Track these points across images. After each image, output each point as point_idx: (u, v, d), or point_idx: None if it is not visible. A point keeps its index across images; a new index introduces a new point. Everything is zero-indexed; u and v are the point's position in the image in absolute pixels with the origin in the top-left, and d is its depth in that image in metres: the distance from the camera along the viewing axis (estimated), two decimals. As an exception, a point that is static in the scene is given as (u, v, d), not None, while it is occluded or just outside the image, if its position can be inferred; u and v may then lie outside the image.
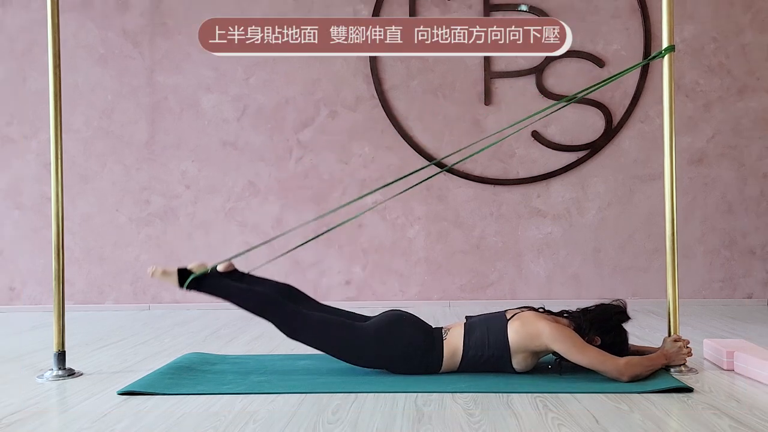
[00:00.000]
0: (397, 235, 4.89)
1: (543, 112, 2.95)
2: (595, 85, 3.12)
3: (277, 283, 2.83)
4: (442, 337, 2.68)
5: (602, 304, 2.67)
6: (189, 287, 2.75)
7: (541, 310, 2.70)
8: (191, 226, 4.94)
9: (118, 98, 4.97)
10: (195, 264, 2.78)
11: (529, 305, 2.75)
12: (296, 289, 2.83)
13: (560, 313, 2.69)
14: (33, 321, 4.38)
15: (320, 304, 2.81)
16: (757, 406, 2.24)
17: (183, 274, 2.76)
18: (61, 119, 2.87)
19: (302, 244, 3.21)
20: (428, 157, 4.85)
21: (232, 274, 2.86)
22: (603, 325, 2.60)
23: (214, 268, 2.81)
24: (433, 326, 2.77)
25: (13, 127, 4.98)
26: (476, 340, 2.63)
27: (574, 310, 2.70)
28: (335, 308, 2.81)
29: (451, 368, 2.68)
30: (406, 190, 3.30)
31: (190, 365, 2.86)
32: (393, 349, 2.65)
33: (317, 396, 2.42)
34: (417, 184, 3.31)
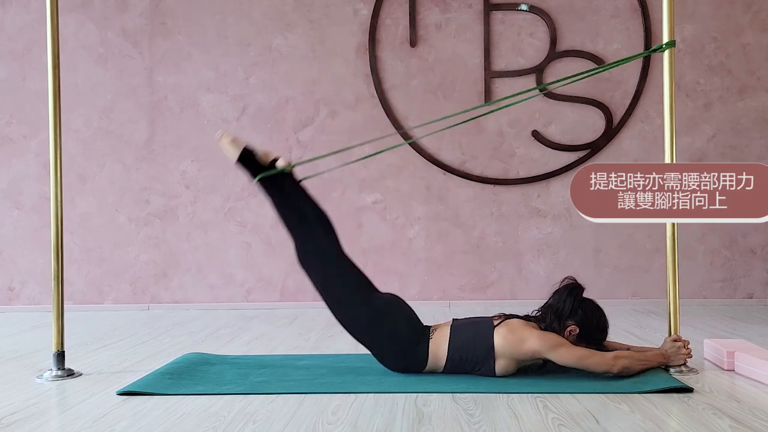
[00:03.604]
0: (397, 235, 4.89)
1: (528, 96, 2.93)
2: (589, 72, 3.08)
3: (319, 209, 2.77)
4: (429, 336, 2.67)
5: (555, 292, 2.66)
6: (261, 181, 2.73)
7: (526, 317, 2.68)
8: (191, 225, 4.94)
9: (117, 98, 4.97)
10: (282, 162, 2.73)
11: (514, 314, 2.71)
12: (331, 224, 2.77)
13: (527, 317, 2.67)
14: (32, 321, 4.38)
15: (343, 251, 2.76)
16: (758, 407, 2.24)
17: (246, 156, 2.74)
18: (60, 119, 2.86)
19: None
20: (428, 158, 4.85)
21: (290, 177, 2.79)
22: (566, 308, 2.59)
23: (292, 168, 2.77)
24: (424, 325, 2.75)
25: (12, 127, 4.97)
26: (462, 341, 2.63)
27: (535, 311, 2.69)
28: (354, 264, 2.77)
29: (435, 369, 2.67)
30: (378, 152, 3.23)
31: (189, 365, 2.86)
32: (381, 330, 2.65)
33: (317, 396, 2.41)
34: (388, 148, 3.27)
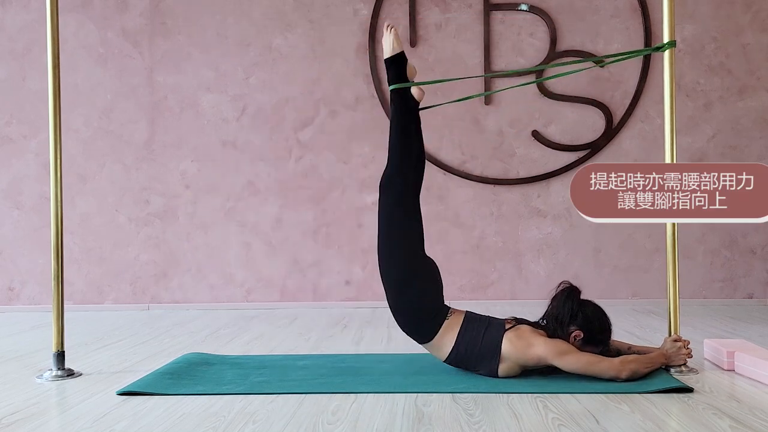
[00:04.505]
0: (397, 235, 4.88)
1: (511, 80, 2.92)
2: (585, 60, 3.08)
3: (423, 149, 2.84)
4: (446, 317, 2.67)
5: (552, 299, 2.66)
6: (395, 90, 2.78)
7: (536, 323, 2.68)
8: (191, 225, 4.94)
9: (117, 98, 4.97)
10: (418, 92, 2.81)
11: (525, 319, 2.71)
12: (423, 166, 2.83)
13: (536, 324, 2.67)
14: (32, 321, 4.38)
15: (418, 197, 2.80)
16: (758, 407, 2.24)
17: (400, 60, 2.79)
18: (60, 119, 2.86)
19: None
20: (428, 158, 4.82)
21: (416, 102, 2.85)
22: (566, 314, 2.59)
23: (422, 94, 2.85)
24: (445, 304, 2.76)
25: (12, 127, 4.97)
26: (471, 336, 2.63)
27: (541, 319, 2.68)
28: (421, 216, 2.79)
29: (438, 351, 2.67)
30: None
31: (189, 365, 2.86)
32: (411, 285, 2.68)
33: (317, 396, 2.41)
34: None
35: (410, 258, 2.72)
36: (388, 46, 2.82)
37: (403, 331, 2.74)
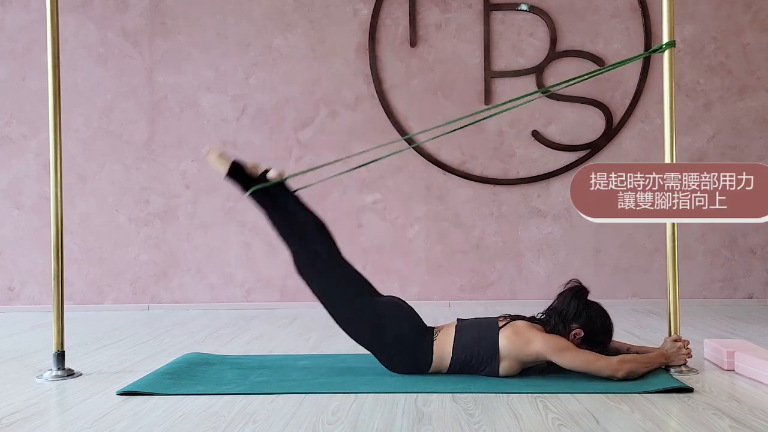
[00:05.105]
0: (397, 235, 4.89)
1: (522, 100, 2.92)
2: (590, 74, 3.09)
3: (315, 216, 2.78)
4: (433, 338, 2.67)
5: (559, 295, 2.66)
6: (253, 194, 2.75)
7: (532, 318, 2.68)
8: (191, 225, 4.94)
9: (117, 98, 4.97)
10: (274, 172, 2.75)
11: (520, 315, 2.71)
12: (328, 231, 2.78)
13: (532, 319, 2.67)
14: (32, 321, 4.38)
15: (341, 256, 2.77)
16: (758, 407, 2.24)
17: (237, 170, 2.76)
18: (60, 119, 2.86)
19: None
20: (428, 158, 4.85)
21: (283, 186, 2.80)
22: (570, 311, 2.59)
23: (285, 179, 2.79)
24: (427, 326, 2.75)
25: (12, 127, 4.97)
26: (467, 342, 2.62)
27: (540, 313, 2.68)
28: (354, 269, 2.77)
29: (440, 369, 2.67)
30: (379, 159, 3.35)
31: (189, 365, 2.86)
32: (385, 335, 2.65)
33: (317, 396, 2.41)
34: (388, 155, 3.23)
35: (368, 309, 2.68)
36: (217, 168, 2.80)
37: (402, 373, 2.69)
